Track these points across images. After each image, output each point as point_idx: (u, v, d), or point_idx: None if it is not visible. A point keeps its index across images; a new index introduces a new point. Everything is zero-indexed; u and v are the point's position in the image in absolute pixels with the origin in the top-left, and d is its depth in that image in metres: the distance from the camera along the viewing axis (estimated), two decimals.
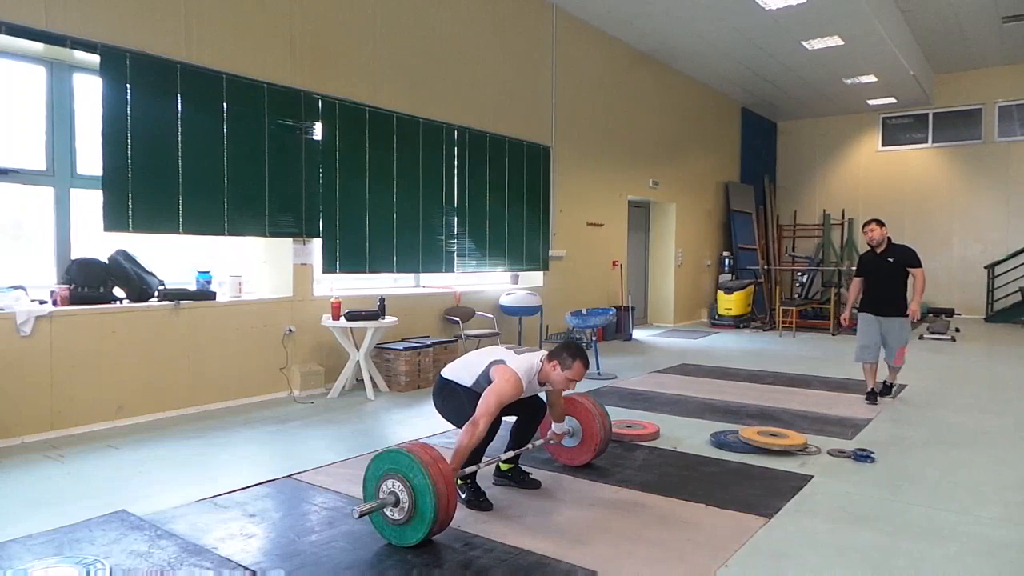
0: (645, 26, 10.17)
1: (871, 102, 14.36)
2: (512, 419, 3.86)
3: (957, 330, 11.62)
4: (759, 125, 15.83)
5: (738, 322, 12.46)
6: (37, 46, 4.95)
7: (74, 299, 5.03)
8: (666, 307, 12.82)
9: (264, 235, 6.14)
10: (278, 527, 3.29)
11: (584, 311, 8.22)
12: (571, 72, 9.76)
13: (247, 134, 5.89)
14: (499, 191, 8.57)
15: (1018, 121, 13.73)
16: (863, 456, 4.40)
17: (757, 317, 13.09)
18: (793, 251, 15.86)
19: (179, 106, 5.44)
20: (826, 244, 15.61)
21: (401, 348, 6.65)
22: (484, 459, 3.53)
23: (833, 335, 11.34)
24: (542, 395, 3.86)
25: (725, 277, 13.69)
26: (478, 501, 3.53)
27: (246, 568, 2.84)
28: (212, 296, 5.81)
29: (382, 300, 6.52)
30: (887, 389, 6.42)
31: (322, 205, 6.49)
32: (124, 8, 5.14)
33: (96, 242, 5.38)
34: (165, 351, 5.41)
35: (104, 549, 2.98)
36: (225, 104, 5.73)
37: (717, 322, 12.65)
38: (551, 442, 4.10)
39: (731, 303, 12.40)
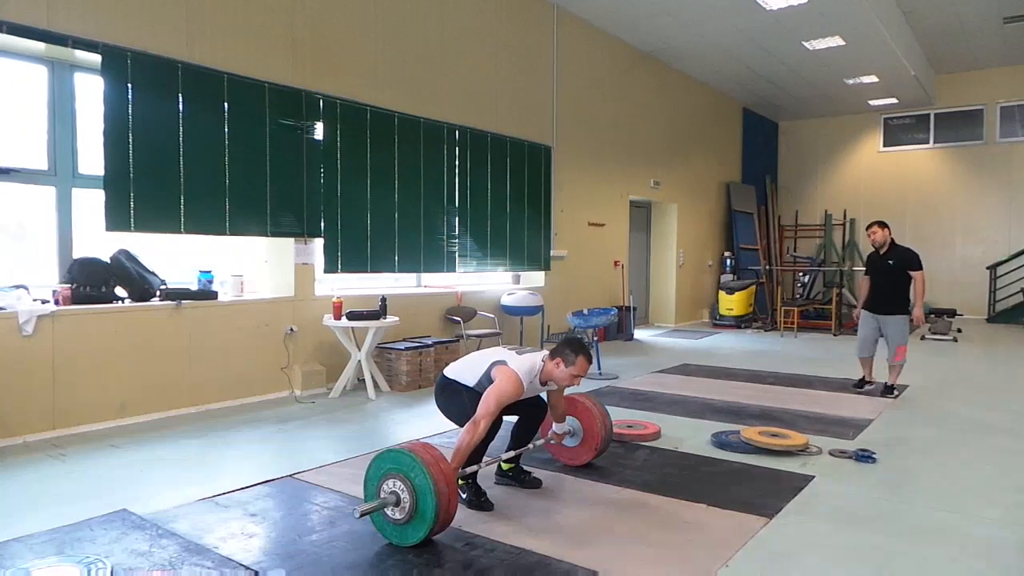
0: (646, 26, 10.17)
1: (872, 102, 14.35)
2: (513, 419, 3.86)
3: (959, 331, 11.60)
4: (760, 125, 15.82)
5: (740, 322, 12.45)
6: (38, 46, 4.96)
7: (76, 299, 5.03)
8: (667, 307, 12.82)
9: (266, 235, 6.14)
10: (279, 527, 3.29)
11: (585, 311, 8.22)
12: (572, 72, 9.76)
13: (248, 134, 5.89)
14: (500, 191, 8.56)
15: (1019, 122, 13.70)
16: (865, 457, 4.39)
17: (759, 317, 13.08)
18: (795, 251, 15.84)
19: (180, 106, 5.44)
20: (828, 244, 15.60)
21: (402, 348, 6.65)
22: (485, 459, 3.53)
23: (835, 335, 11.33)
24: (543, 395, 3.86)
25: (727, 277, 13.67)
26: (479, 501, 3.53)
27: (247, 568, 2.84)
28: (214, 296, 5.82)
29: (383, 300, 6.52)
30: (888, 390, 6.42)
31: (323, 205, 6.49)
32: (125, 8, 5.14)
33: (98, 242, 5.39)
34: (167, 351, 5.41)
35: (105, 548, 2.98)
36: (226, 104, 5.73)
37: (719, 322, 12.64)
38: (552, 442, 4.10)
39: (733, 303, 12.39)
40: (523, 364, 3.48)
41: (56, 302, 4.97)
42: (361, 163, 6.81)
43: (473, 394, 3.50)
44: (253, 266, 6.52)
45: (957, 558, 3.04)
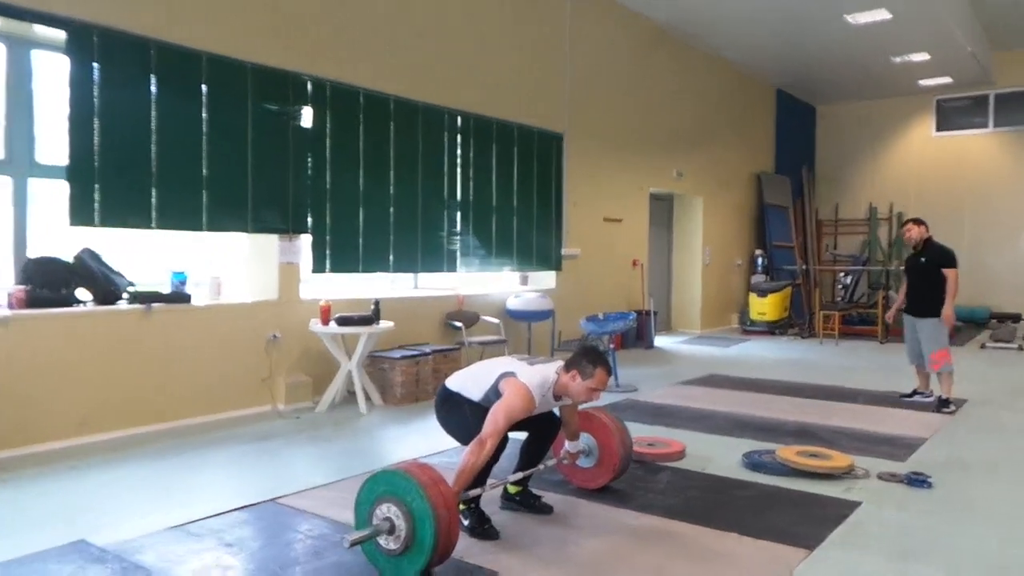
0: None
1: (923, 82, 14.24)
2: (522, 436, 3.81)
3: None
4: (796, 109, 15.75)
5: (773, 328, 12.40)
6: None
7: (32, 302, 5.00)
8: (692, 312, 12.76)
9: (246, 231, 6.11)
10: (258, 558, 3.25)
11: (601, 316, 8.17)
12: (587, 51, 9.72)
13: (229, 119, 5.87)
14: (507, 183, 8.53)
15: None
16: (918, 480, 4.33)
17: (795, 323, 13.01)
18: (835, 249, 15.76)
19: (153, 88, 5.42)
20: (872, 242, 15.50)
21: (398, 356, 6.62)
22: (490, 481, 3.49)
23: (881, 343, 11.24)
24: (556, 410, 3.81)
25: (758, 278, 13.61)
26: (483, 529, 3.48)
27: None
28: (188, 299, 5.80)
29: (377, 303, 6.50)
30: (943, 403, 6.37)
31: (311, 198, 6.46)
32: None
33: (58, 238, 5.37)
34: (134, 360, 5.38)
35: None
36: (204, 86, 5.71)
37: (749, 328, 12.60)
38: (564, 462, 4.05)
39: (765, 307, 12.34)
40: (534, 377, 3.45)
41: (9, 305, 4.95)
42: (353, 152, 6.78)
43: (478, 409, 3.46)
44: (232, 266, 6.50)
45: None
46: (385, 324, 6.46)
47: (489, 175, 8.30)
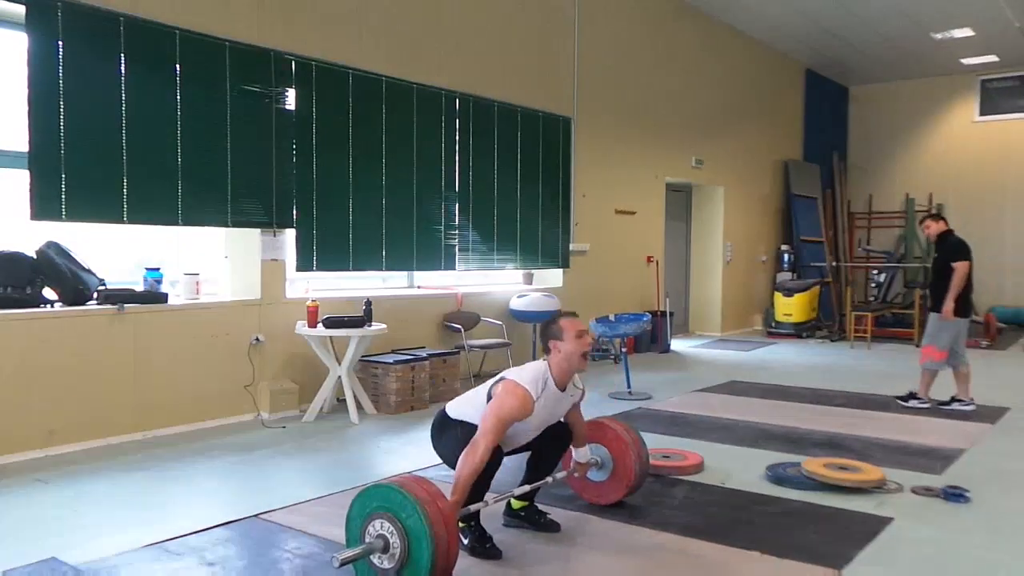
0: None
1: (966, 61, 14.25)
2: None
3: None
4: (827, 91, 15.76)
5: (800, 330, 12.41)
6: None
7: None
8: (712, 312, 12.78)
9: (226, 225, 6.16)
10: None
11: (612, 317, 8.20)
12: (598, 27, 9.75)
13: (205, 102, 5.91)
14: (509, 172, 8.57)
15: None
16: (955, 495, 4.36)
17: (823, 324, 13.02)
18: (868, 244, 15.77)
19: (123, 68, 5.46)
20: (909, 236, 15.49)
21: (391, 361, 6.65)
22: (491, 495, 3.53)
23: (918, 346, 11.23)
24: (556, 428, 3.86)
25: (784, 276, 13.63)
26: (484, 548, 3.52)
27: None
28: (163, 298, 5.84)
29: (368, 303, 6.53)
30: (910, 396, 6.93)
31: (296, 189, 6.50)
32: None
33: (19, 233, 5.41)
34: (106, 365, 5.43)
35: None
36: (178, 66, 5.74)
37: (774, 330, 12.61)
38: (575, 475, 4.09)
39: (791, 307, 12.35)
40: (525, 374, 3.51)
41: None
42: (342, 138, 6.82)
43: (472, 431, 3.50)
44: (211, 263, 6.55)
45: None
46: (377, 326, 6.49)
47: (490, 163, 8.33)
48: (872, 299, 14.18)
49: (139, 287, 5.86)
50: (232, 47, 6.04)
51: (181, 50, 5.75)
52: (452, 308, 7.99)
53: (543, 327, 3.71)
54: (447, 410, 3.77)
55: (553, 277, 9.42)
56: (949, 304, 6.61)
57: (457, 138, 7.96)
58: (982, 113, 15.07)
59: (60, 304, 5.39)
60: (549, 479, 3.88)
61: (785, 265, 13.86)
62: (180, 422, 5.83)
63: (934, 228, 6.99)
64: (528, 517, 3.88)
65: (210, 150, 5.95)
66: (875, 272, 14.58)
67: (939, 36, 12.79)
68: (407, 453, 5.34)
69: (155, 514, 4.05)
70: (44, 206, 5.12)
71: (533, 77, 8.89)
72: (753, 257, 13.64)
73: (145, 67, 5.57)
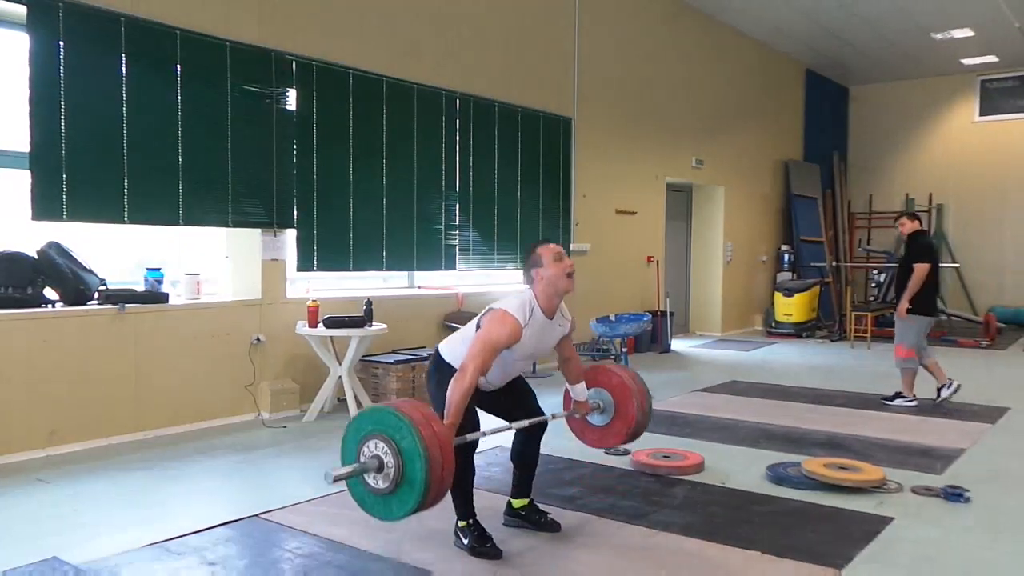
0: None
1: (966, 61, 14.24)
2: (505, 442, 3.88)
3: None
4: (827, 91, 15.76)
5: (800, 330, 12.41)
6: None
7: None
8: (712, 312, 12.78)
9: (227, 225, 6.17)
10: None
11: (612, 317, 8.21)
12: (598, 27, 9.75)
13: (206, 103, 5.91)
14: (510, 172, 8.57)
15: None
16: (955, 495, 4.36)
17: (823, 324, 13.02)
18: (868, 244, 15.76)
19: (124, 69, 5.46)
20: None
21: (392, 361, 6.66)
22: (489, 429, 3.58)
23: None
24: (556, 416, 3.88)
25: (784, 276, 13.63)
26: (484, 547, 3.52)
27: None
28: (164, 298, 5.84)
29: (369, 303, 6.53)
30: (896, 396, 7.04)
31: (296, 189, 6.51)
32: None
33: (21, 233, 5.41)
34: (107, 364, 5.44)
35: None
36: (179, 66, 5.75)
37: (774, 330, 12.61)
38: (577, 416, 4.07)
39: (791, 307, 12.35)
40: (511, 301, 3.50)
41: None
42: (342, 139, 6.83)
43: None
44: (212, 263, 6.55)
45: None
46: (378, 326, 6.49)
47: (491, 164, 8.33)
48: (872, 299, 14.16)
49: (140, 287, 5.87)
50: (233, 47, 6.05)
51: (182, 50, 5.75)
52: (453, 308, 7.99)
53: (524, 263, 3.71)
54: (440, 352, 3.72)
55: None
56: (903, 304, 6.85)
57: (457, 138, 7.96)
58: (982, 113, 15.06)
59: (61, 304, 5.39)
60: (550, 416, 3.87)
61: (785, 265, 13.86)
62: (181, 422, 5.84)
63: (908, 227, 7.16)
64: (528, 516, 3.89)
65: (211, 150, 5.95)
66: (875, 272, 14.55)
67: (939, 36, 12.79)
68: None
69: (156, 514, 4.06)
70: (45, 206, 5.13)
71: (534, 77, 8.89)
72: (753, 257, 13.63)
73: (146, 67, 5.58)
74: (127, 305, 5.54)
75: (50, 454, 5.11)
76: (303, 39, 6.53)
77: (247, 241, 6.42)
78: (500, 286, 8.91)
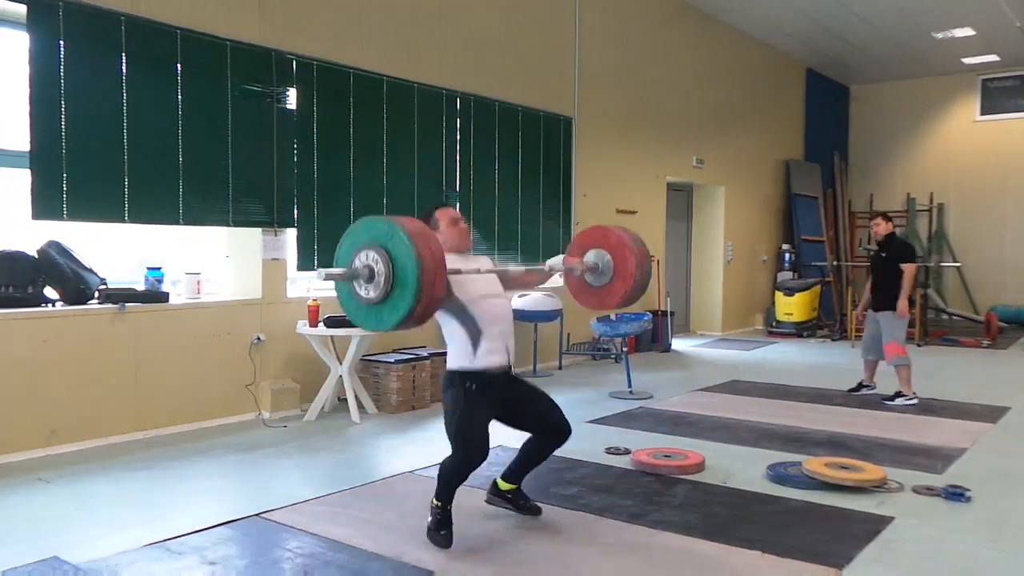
0: None
1: (967, 60, 14.23)
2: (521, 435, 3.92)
3: None
4: (828, 90, 15.75)
5: (801, 330, 12.40)
6: None
7: None
8: (713, 312, 12.78)
9: (227, 224, 6.17)
10: None
11: (613, 316, 8.21)
12: (599, 27, 9.74)
13: (207, 102, 5.91)
14: (510, 172, 8.57)
15: None
16: (956, 494, 4.36)
17: (824, 324, 13.02)
18: (869, 244, 15.72)
19: (124, 68, 5.46)
20: (910, 236, 15.48)
21: (392, 361, 6.66)
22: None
23: (919, 346, 11.25)
24: (554, 420, 3.88)
25: (785, 275, 13.62)
26: (439, 533, 3.56)
27: None
28: (164, 297, 5.84)
29: None
30: (897, 395, 7.03)
31: (297, 188, 6.51)
32: None
33: (21, 232, 5.41)
34: (107, 364, 5.44)
35: None
36: (180, 65, 5.75)
37: (775, 330, 12.60)
38: (575, 273, 4.15)
39: (792, 307, 12.34)
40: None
41: None
42: (343, 138, 6.83)
43: (456, 377, 3.64)
44: (212, 262, 6.55)
45: None
46: None
47: (491, 163, 8.33)
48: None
49: (140, 286, 5.87)
50: (233, 47, 6.05)
51: (182, 49, 5.75)
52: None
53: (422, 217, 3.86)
54: (447, 363, 3.79)
55: (554, 277, 9.39)
56: (903, 303, 6.94)
57: (458, 138, 7.95)
58: (983, 113, 15.06)
59: (61, 303, 5.40)
60: (548, 269, 4.24)
61: (786, 264, 13.85)
62: (181, 421, 5.83)
63: (883, 228, 7.32)
64: (514, 500, 3.95)
65: (211, 150, 5.96)
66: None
67: (940, 36, 12.78)
68: (408, 452, 5.33)
69: (156, 513, 4.06)
70: (45, 205, 5.13)
71: (534, 77, 8.88)
72: (754, 256, 13.63)
73: (146, 66, 5.58)
74: (127, 304, 5.55)
75: (50, 454, 5.11)
76: (304, 38, 6.53)
77: (248, 240, 6.42)
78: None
